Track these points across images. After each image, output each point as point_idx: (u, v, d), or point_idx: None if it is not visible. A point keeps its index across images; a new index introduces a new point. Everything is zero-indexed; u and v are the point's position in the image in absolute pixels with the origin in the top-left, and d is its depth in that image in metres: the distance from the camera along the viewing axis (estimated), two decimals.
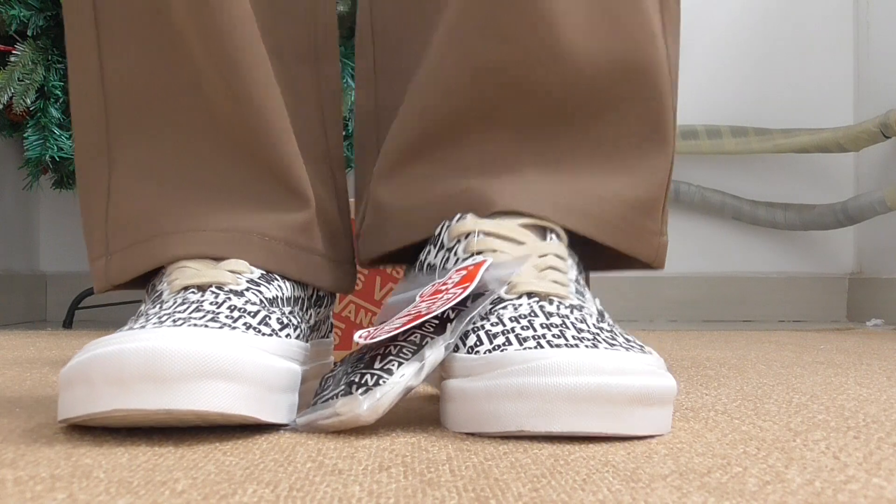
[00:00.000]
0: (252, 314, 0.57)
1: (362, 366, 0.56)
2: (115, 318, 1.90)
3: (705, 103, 2.15)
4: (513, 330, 0.56)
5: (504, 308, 0.59)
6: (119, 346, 0.50)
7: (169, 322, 0.55)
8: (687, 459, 0.45)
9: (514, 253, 0.62)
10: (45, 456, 0.47)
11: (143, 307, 0.62)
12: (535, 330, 0.56)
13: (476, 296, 0.59)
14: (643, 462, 0.45)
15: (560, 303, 0.59)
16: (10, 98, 1.51)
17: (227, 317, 0.56)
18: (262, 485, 0.40)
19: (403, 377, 0.54)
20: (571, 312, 0.59)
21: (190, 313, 0.56)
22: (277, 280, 0.63)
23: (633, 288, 2.12)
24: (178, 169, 0.66)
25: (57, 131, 1.55)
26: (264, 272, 0.63)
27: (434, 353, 0.55)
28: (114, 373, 0.50)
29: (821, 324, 2.03)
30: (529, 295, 0.59)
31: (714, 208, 2.12)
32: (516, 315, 0.58)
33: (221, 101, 0.64)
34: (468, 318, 0.57)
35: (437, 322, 0.58)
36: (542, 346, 0.54)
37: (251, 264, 0.62)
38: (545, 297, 0.59)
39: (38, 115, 1.56)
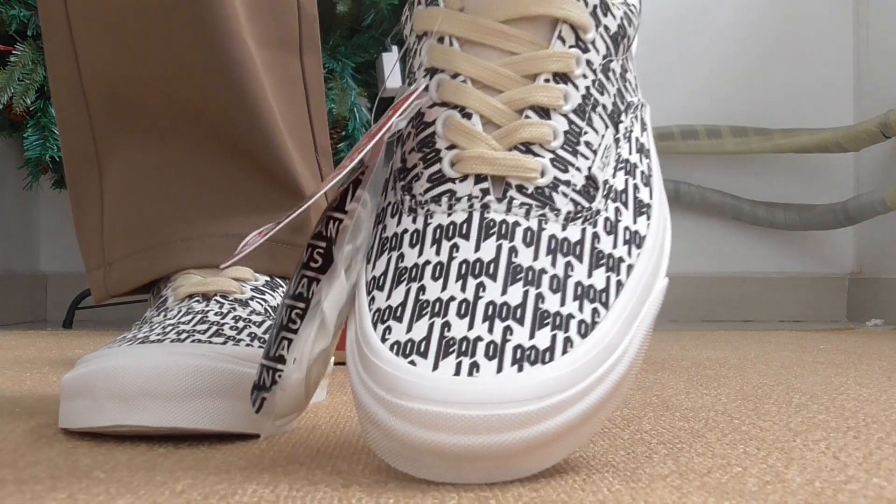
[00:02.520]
0: (257, 324, 0.57)
1: (266, 347, 0.46)
2: (115, 318, 1.90)
3: (705, 103, 2.15)
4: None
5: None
6: (123, 362, 0.50)
7: (173, 334, 0.54)
8: (687, 459, 0.45)
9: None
10: (45, 456, 0.47)
11: (147, 312, 0.62)
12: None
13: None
14: (643, 462, 0.45)
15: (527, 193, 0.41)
16: (10, 98, 1.51)
17: (231, 328, 0.56)
18: (262, 485, 0.40)
19: (299, 359, 0.43)
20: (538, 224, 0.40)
21: (194, 325, 0.56)
22: (282, 286, 0.63)
23: None
24: (169, 174, 0.65)
25: (57, 131, 1.54)
26: (269, 278, 0.63)
27: (331, 291, 0.42)
28: (117, 388, 0.50)
29: (821, 324, 2.03)
30: (478, 178, 0.41)
31: (714, 208, 2.12)
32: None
33: (209, 102, 0.64)
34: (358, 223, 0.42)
35: (323, 245, 0.43)
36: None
37: (255, 270, 0.62)
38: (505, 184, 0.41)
39: (38, 115, 1.56)
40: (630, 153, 0.43)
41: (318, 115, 0.72)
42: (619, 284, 0.40)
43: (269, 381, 0.45)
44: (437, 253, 0.40)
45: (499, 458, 0.38)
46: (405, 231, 0.42)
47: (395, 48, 1.56)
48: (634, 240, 0.42)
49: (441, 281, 0.40)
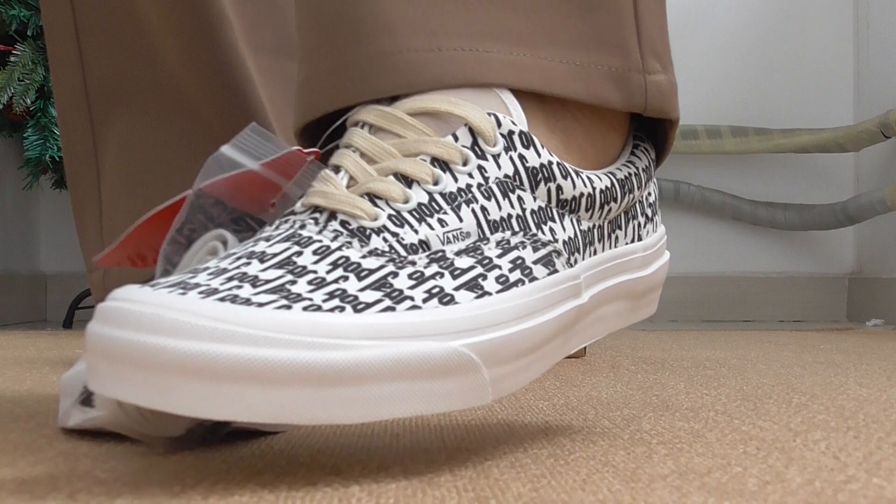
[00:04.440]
0: None
1: None
2: None
3: (705, 103, 2.15)
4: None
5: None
6: None
7: None
8: (687, 459, 0.45)
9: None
10: (45, 456, 0.47)
11: None
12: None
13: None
14: (643, 462, 0.45)
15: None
16: (10, 98, 1.51)
17: None
18: (262, 485, 0.40)
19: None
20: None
21: None
22: None
23: None
24: (166, 172, 0.66)
25: (57, 131, 1.55)
26: None
27: None
28: None
29: (821, 324, 2.03)
30: (314, 209, 0.45)
31: (714, 208, 2.12)
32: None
33: (205, 103, 0.64)
34: (187, 263, 0.46)
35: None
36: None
37: None
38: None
39: (38, 115, 1.56)
40: (497, 256, 0.44)
41: None
42: (389, 308, 0.40)
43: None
44: (240, 247, 0.43)
45: (159, 368, 0.36)
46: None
47: None
48: (441, 296, 0.42)
49: (220, 261, 0.42)
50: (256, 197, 0.47)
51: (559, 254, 0.46)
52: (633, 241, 0.53)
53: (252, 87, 0.64)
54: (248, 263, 0.41)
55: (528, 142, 0.47)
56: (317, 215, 0.44)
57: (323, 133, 0.51)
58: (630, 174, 0.52)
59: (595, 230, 0.50)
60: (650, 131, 0.56)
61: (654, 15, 0.52)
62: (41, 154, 1.55)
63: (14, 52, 1.53)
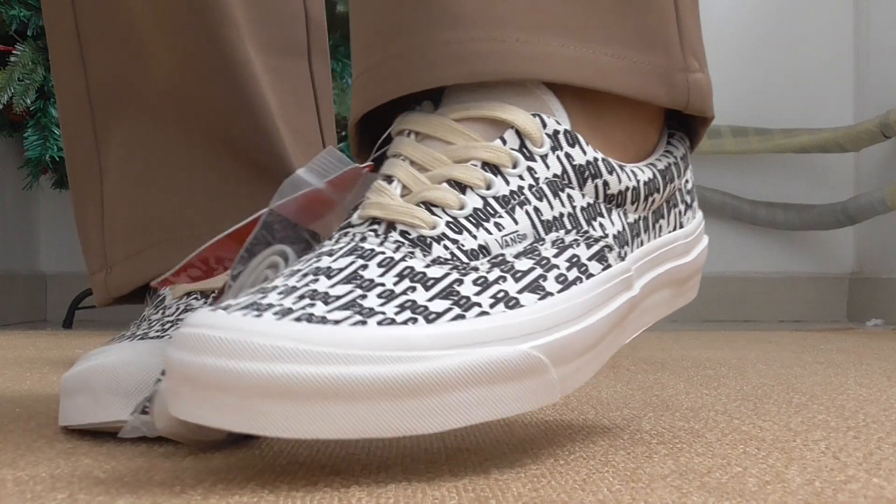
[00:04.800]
0: None
1: None
2: (115, 318, 1.90)
3: None
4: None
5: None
6: (122, 357, 0.50)
7: (172, 331, 0.55)
8: (687, 459, 0.45)
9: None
10: (45, 456, 0.47)
11: (146, 311, 0.62)
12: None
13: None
14: (643, 462, 0.45)
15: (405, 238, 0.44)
16: (10, 98, 1.51)
17: None
18: (262, 485, 0.40)
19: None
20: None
21: None
22: None
23: None
24: (167, 174, 0.66)
25: (57, 131, 1.55)
26: None
27: None
28: (117, 383, 0.50)
29: (821, 324, 2.03)
30: (372, 221, 0.45)
31: (714, 208, 2.12)
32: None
33: (208, 103, 0.64)
34: (247, 277, 0.46)
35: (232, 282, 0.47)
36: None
37: None
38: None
39: (38, 115, 1.56)
40: (554, 256, 0.45)
41: (326, 119, 0.73)
42: (459, 316, 0.41)
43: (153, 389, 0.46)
44: (301, 264, 0.43)
45: (246, 392, 0.37)
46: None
47: None
48: (506, 300, 0.42)
49: (286, 278, 0.42)
50: (318, 213, 0.48)
51: (611, 248, 0.47)
52: (674, 228, 0.54)
53: (256, 87, 0.64)
54: (317, 280, 0.41)
55: (573, 140, 0.47)
56: (376, 227, 0.45)
57: (380, 125, 0.51)
58: (669, 164, 0.53)
59: (641, 221, 0.51)
60: (677, 124, 0.57)
61: (691, 15, 0.53)
62: (41, 154, 1.55)
63: (14, 52, 1.53)
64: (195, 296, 0.59)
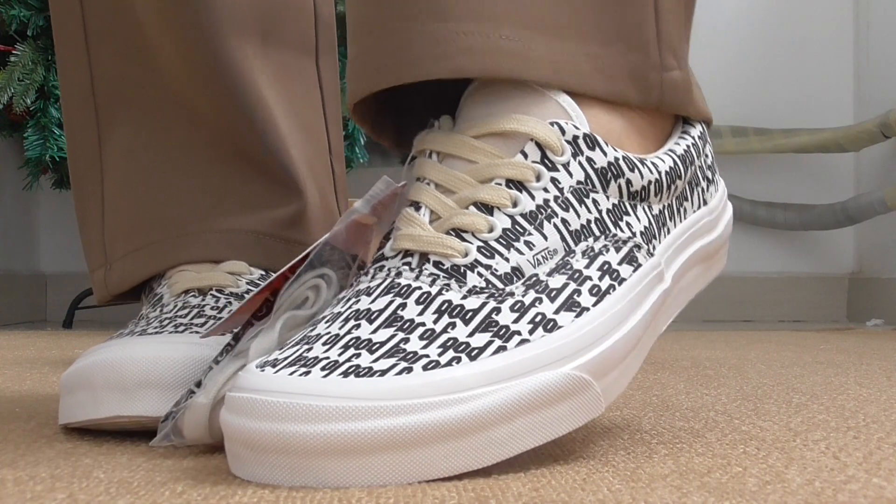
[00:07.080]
0: None
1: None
2: (115, 318, 1.90)
3: None
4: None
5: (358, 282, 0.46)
6: (121, 353, 0.50)
7: (170, 327, 0.55)
8: (687, 459, 0.45)
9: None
10: (45, 456, 0.47)
11: (143, 309, 0.62)
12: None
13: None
14: (643, 462, 0.45)
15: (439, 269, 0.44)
16: (10, 98, 1.51)
17: None
18: (262, 485, 0.40)
19: (210, 386, 0.46)
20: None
21: (191, 319, 0.56)
22: None
23: None
24: (167, 172, 0.66)
25: (57, 131, 1.55)
26: (264, 272, 0.63)
27: (261, 338, 0.45)
28: (116, 379, 0.50)
29: (821, 324, 2.03)
30: (406, 254, 0.45)
31: None
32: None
33: (203, 107, 0.65)
34: (287, 297, 0.47)
35: (273, 299, 0.48)
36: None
37: (250, 265, 0.63)
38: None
39: (38, 115, 1.56)
40: (585, 267, 0.45)
41: (333, 117, 0.73)
42: (501, 348, 0.42)
43: (184, 399, 0.48)
44: (340, 306, 0.44)
45: (304, 453, 0.38)
46: (337, 300, 0.46)
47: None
48: (544, 324, 0.43)
49: (328, 323, 0.43)
50: (364, 238, 0.49)
51: (639, 247, 0.48)
52: (699, 207, 0.54)
53: (252, 87, 0.65)
54: (358, 325, 0.42)
55: (592, 143, 0.47)
56: (409, 259, 0.45)
57: (378, 106, 0.51)
58: (689, 146, 0.53)
59: (665, 210, 0.51)
60: None
61: (674, 13, 0.52)
62: (41, 154, 1.55)
63: (14, 52, 1.53)
64: (193, 293, 0.60)
